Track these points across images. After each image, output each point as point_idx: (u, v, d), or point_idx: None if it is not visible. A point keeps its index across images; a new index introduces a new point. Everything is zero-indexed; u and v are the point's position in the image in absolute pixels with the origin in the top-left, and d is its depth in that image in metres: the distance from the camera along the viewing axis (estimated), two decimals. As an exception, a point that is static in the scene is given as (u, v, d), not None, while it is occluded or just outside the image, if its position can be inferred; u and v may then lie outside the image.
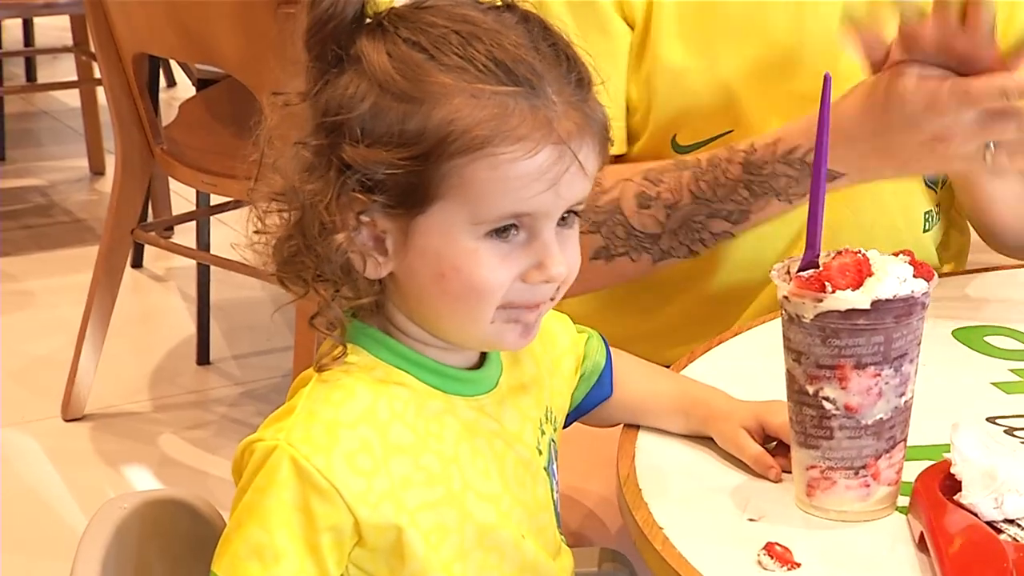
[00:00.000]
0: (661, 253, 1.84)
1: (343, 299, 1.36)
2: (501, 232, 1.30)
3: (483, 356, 1.41)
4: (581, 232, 1.65)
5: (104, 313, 3.50)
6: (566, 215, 1.33)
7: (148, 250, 4.06)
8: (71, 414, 3.53)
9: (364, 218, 1.31)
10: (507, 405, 1.42)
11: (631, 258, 1.82)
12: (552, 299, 1.37)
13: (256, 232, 1.36)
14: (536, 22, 1.35)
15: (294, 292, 1.37)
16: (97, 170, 4.79)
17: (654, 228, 1.81)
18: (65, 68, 5.08)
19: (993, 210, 2.02)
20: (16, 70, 5.36)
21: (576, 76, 1.33)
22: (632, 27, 1.90)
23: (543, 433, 1.45)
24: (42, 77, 5.31)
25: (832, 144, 1.48)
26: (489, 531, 1.37)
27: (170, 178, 3.75)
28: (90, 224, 4.17)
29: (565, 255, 1.33)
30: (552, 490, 1.46)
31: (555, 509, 1.46)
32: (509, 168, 1.27)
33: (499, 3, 1.36)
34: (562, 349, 1.53)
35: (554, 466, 1.47)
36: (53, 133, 5.09)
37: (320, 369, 1.35)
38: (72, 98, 4.98)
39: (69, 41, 4.81)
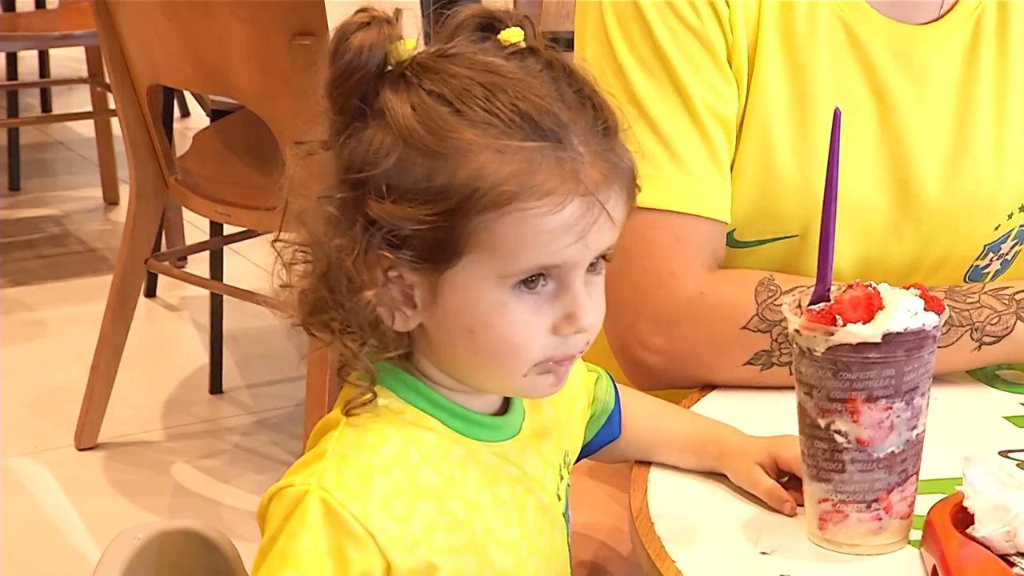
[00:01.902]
0: None
1: (371, 349, 1.34)
2: (529, 283, 1.28)
3: (507, 401, 1.40)
4: (744, 329, 1.65)
5: (118, 342, 3.49)
6: (595, 261, 1.32)
7: (161, 279, 4.08)
8: (84, 443, 3.52)
9: (392, 273, 1.30)
10: (529, 451, 1.42)
11: (789, 371, 1.69)
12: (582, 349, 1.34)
13: (282, 286, 1.36)
14: (560, 67, 1.34)
15: (321, 340, 1.37)
16: (111, 200, 4.80)
17: None
18: (80, 99, 5.08)
19: None
20: (32, 101, 5.37)
21: (603, 124, 1.31)
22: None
23: (562, 478, 1.45)
24: (57, 108, 5.32)
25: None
26: (508, 572, 1.36)
27: (184, 208, 3.73)
28: (104, 254, 4.17)
29: (593, 303, 1.32)
30: (568, 535, 1.45)
31: (568, 552, 1.45)
32: (538, 223, 1.25)
33: (523, 47, 1.35)
34: (576, 391, 1.51)
35: (569, 511, 1.46)
36: (68, 163, 5.10)
37: (348, 414, 1.33)
38: (87, 129, 4.99)
39: (84, 72, 4.83)
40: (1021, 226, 1.93)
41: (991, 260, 1.93)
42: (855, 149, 1.81)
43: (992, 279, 1.94)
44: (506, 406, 1.40)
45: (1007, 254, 1.95)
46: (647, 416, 1.57)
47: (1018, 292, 1.72)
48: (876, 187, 1.82)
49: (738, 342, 1.73)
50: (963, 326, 1.66)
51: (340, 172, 1.30)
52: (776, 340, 1.70)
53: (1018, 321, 1.69)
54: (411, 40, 1.32)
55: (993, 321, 1.68)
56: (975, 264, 1.93)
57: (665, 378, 1.77)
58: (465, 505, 1.33)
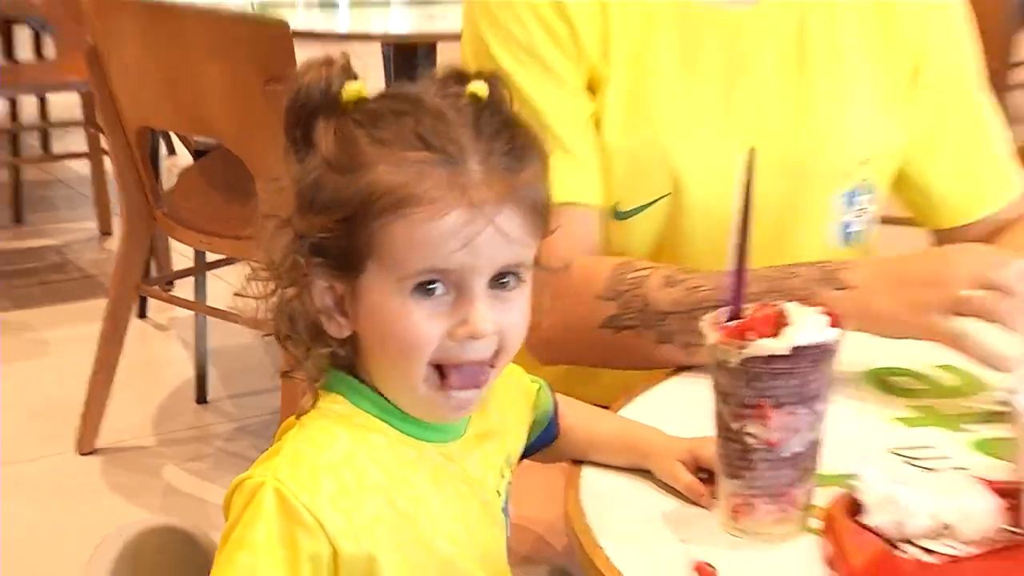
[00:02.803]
0: (664, 335, 1.76)
1: (317, 356, 1.37)
2: (426, 289, 1.30)
3: None
4: (597, 297, 1.66)
5: (112, 359, 3.56)
6: (503, 279, 1.33)
7: (151, 302, 4.13)
8: (84, 448, 3.60)
9: (323, 283, 1.34)
10: (473, 451, 1.43)
11: (637, 333, 1.76)
12: (493, 366, 1.35)
13: (236, 295, 1.39)
14: (489, 102, 1.36)
15: (290, 353, 1.39)
16: (105, 231, 4.86)
17: (669, 307, 1.75)
18: (76, 140, 5.13)
19: None
20: (33, 142, 5.47)
21: (510, 149, 1.32)
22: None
23: (503, 477, 1.47)
24: (56, 149, 5.38)
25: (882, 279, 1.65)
26: (450, 567, 1.38)
27: (170, 238, 3.77)
28: (100, 280, 4.22)
29: (503, 316, 1.33)
30: (506, 529, 1.47)
31: (506, 545, 1.47)
32: (423, 228, 1.27)
33: (478, 94, 1.37)
34: (519, 398, 1.54)
35: (508, 506, 1.48)
36: (66, 198, 5.17)
37: (300, 416, 1.37)
38: (83, 167, 5.06)
39: (80, 116, 4.86)
40: (864, 179, 1.97)
41: (852, 217, 1.98)
42: (708, 115, 1.92)
43: (860, 241, 2.02)
44: None
45: (866, 209, 2.00)
46: (581, 421, 1.59)
47: (837, 267, 1.74)
48: (736, 146, 1.78)
49: (592, 308, 1.77)
50: (777, 292, 1.66)
51: (295, 199, 1.34)
52: (620, 306, 1.74)
53: (832, 290, 1.71)
54: (359, 82, 1.35)
55: (803, 290, 1.69)
56: (842, 221, 1.97)
57: (550, 350, 1.81)
58: (412, 501, 1.35)
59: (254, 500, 1.28)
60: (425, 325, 1.30)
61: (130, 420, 3.72)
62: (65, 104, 5.14)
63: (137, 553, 1.50)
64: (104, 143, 4.26)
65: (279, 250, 1.33)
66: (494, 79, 1.39)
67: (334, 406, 1.37)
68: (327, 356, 1.37)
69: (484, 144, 1.31)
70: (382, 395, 1.37)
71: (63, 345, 3.99)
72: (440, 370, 1.33)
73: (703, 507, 1.44)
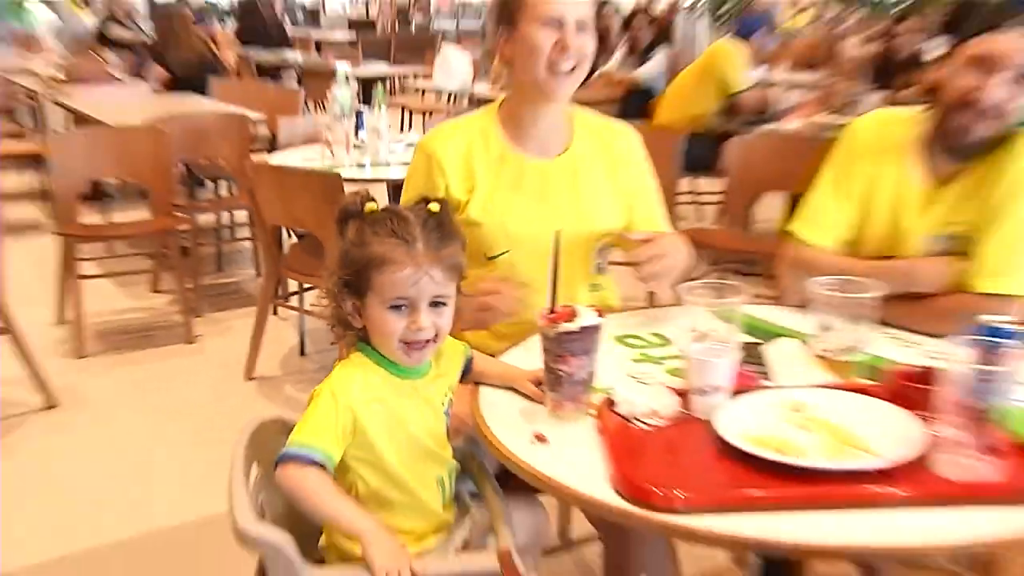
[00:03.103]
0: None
1: (350, 335, 1.44)
2: (395, 307, 1.38)
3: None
4: None
5: (260, 333, 3.49)
6: (436, 303, 1.39)
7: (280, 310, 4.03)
8: (248, 376, 3.51)
9: (348, 301, 1.41)
10: (432, 384, 1.48)
11: None
12: (434, 341, 1.41)
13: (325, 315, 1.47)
14: (435, 216, 1.41)
15: (334, 334, 1.47)
16: (259, 275, 4.74)
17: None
18: (244, 232, 5.06)
19: None
20: (227, 235, 5.29)
21: (440, 237, 1.39)
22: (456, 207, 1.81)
23: (447, 395, 1.50)
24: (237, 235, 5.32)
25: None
26: (414, 438, 1.43)
27: (287, 277, 3.75)
28: (254, 296, 4.12)
29: (437, 319, 1.39)
30: (446, 421, 1.49)
31: (446, 429, 1.49)
32: (392, 276, 1.36)
33: (433, 210, 1.42)
34: (456, 355, 1.53)
35: (448, 409, 1.49)
36: (241, 260, 5.02)
37: (341, 360, 1.46)
38: (248, 245, 4.96)
39: (246, 221, 4.88)
40: (605, 242, 1.90)
41: (600, 260, 1.92)
42: (529, 210, 1.84)
43: (603, 270, 1.96)
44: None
45: (606, 256, 1.94)
46: (482, 364, 1.55)
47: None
48: (545, 229, 1.63)
49: None
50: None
51: (338, 260, 1.42)
52: None
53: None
54: (374, 203, 1.41)
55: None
56: (597, 262, 1.91)
57: None
58: (395, 403, 1.42)
59: (321, 395, 1.38)
60: (395, 324, 1.39)
61: (269, 363, 3.61)
62: (237, 216, 5.10)
63: (260, 433, 1.54)
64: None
65: (331, 285, 1.43)
66: (443, 202, 1.45)
67: (358, 357, 1.44)
68: (355, 335, 1.44)
69: (426, 235, 1.38)
70: (382, 355, 1.43)
71: (240, 326, 3.84)
72: (405, 344, 1.40)
73: (540, 404, 1.44)
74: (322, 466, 1.34)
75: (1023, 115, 1.71)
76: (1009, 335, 1.33)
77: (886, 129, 1.88)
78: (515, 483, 1.35)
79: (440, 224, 1.41)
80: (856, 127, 1.92)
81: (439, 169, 1.84)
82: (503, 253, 1.85)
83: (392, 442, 1.41)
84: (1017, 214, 1.71)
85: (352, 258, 1.39)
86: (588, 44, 1.78)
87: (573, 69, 1.78)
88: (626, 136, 1.97)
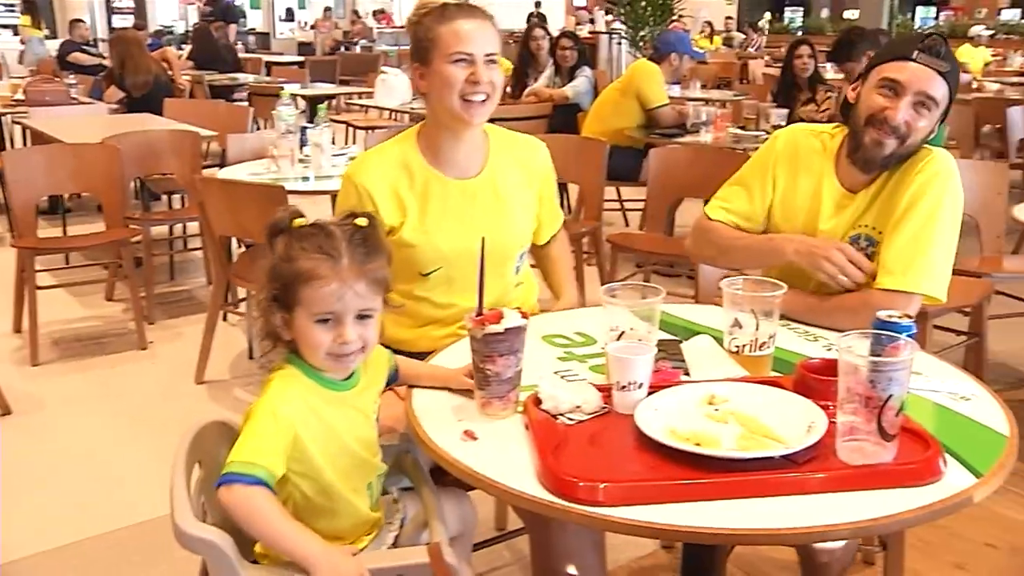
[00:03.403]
0: None
1: (280, 347, 1.39)
2: (323, 320, 1.33)
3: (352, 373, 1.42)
4: None
5: (210, 337, 3.38)
6: (362, 316, 1.34)
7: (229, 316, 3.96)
8: (198, 380, 3.40)
9: (278, 314, 1.35)
10: (362, 393, 1.42)
11: None
12: (361, 352, 1.36)
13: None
14: (361, 231, 1.37)
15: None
16: (210, 282, 4.64)
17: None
18: (196, 242, 4.94)
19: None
20: (180, 245, 5.18)
21: (364, 252, 1.34)
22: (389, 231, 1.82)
23: (375, 403, 1.46)
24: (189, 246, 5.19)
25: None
26: (346, 446, 1.39)
27: (236, 286, 3.67)
28: (205, 303, 4.02)
29: (363, 331, 1.34)
30: (375, 428, 1.46)
31: (376, 434, 1.46)
32: (318, 291, 1.31)
33: (360, 224, 1.38)
34: (383, 364, 1.49)
35: (378, 416, 1.47)
36: (193, 269, 4.93)
37: (272, 372, 1.39)
38: (200, 255, 4.86)
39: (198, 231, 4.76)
40: (523, 247, 1.96)
41: (519, 263, 1.95)
42: (456, 227, 1.85)
43: (521, 273, 1.99)
44: (351, 375, 1.41)
45: (523, 259, 1.98)
46: (414, 369, 1.53)
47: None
48: (471, 241, 1.67)
49: None
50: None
51: (267, 274, 1.36)
52: None
53: None
54: (303, 219, 1.36)
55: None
56: (516, 265, 1.94)
57: None
58: (328, 415, 1.37)
59: (260, 411, 1.31)
60: (322, 337, 1.33)
61: (219, 366, 3.51)
62: (190, 227, 4.99)
63: (203, 436, 1.48)
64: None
65: (260, 299, 1.37)
66: (371, 216, 1.41)
67: (290, 371, 1.38)
68: (286, 345, 1.38)
69: (351, 250, 1.33)
70: (312, 368, 1.38)
71: (192, 332, 3.74)
72: (333, 356, 1.34)
73: (472, 399, 1.40)
74: (266, 484, 1.27)
75: (923, 137, 1.78)
76: (905, 328, 1.35)
77: (805, 141, 1.94)
78: (448, 479, 1.33)
79: (365, 239, 1.36)
80: (779, 137, 1.98)
81: (368, 199, 1.83)
82: (436, 270, 1.87)
83: (327, 454, 1.36)
84: (917, 219, 1.74)
85: (280, 273, 1.34)
86: (497, 75, 1.81)
87: (485, 99, 1.80)
88: (536, 149, 2.02)
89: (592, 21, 16.52)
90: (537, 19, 16.94)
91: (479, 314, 1.38)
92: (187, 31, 16.26)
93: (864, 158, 1.80)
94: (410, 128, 1.94)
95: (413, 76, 1.87)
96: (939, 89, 1.74)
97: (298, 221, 1.36)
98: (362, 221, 1.38)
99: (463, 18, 1.78)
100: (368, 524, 1.46)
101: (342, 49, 14.42)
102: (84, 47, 9.58)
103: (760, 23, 20.34)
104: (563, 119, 5.65)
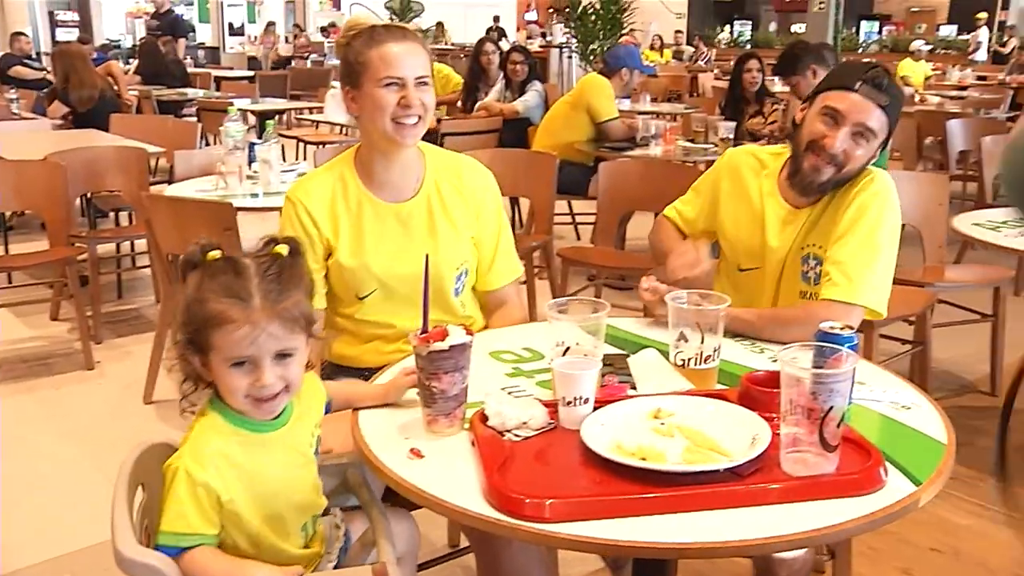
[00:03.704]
0: None
1: (201, 389, 1.34)
2: (237, 364, 1.27)
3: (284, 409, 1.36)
4: None
5: (159, 355, 3.34)
6: (283, 356, 1.28)
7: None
8: (147, 399, 3.35)
9: (194, 357, 1.30)
10: (294, 429, 1.36)
11: None
12: (285, 393, 1.30)
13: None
14: (279, 263, 1.30)
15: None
16: (159, 301, 4.54)
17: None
18: (145, 259, 4.85)
19: None
20: (128, 263, 5.10)
21: (278, 290, 1.27)
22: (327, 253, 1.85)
23: (312, 435, 1.40)
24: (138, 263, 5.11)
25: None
26: (276, 494, 1.33)
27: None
28: (154, 320, 3.95)
29: (285, 372, 1.29)
30: (314, 462, 1.40)
31: (315, 468, 1.40)
32: (230, 335, 1.25)
33: (279, 252, 1.32)
34: (318, 398, 1.43)
35: (319, 448, 1.42)
36: (143, 287, 4.83)
37: (197, 415, 1.33)
38: (148, 272, 4.77)
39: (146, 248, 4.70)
40: (461, 267, 1.90)
41: (458, 284, 1.90)
42: (391, 250, 1.85)
43: (462, 293, 1.93)
44: (280, 413, 1.35)
45: (464, 280, 1.92)
46: (351, 393, 1.48)
47: None
48: (409, 263, 1.81)
49: None
50: None
51: (181, 315, 1.30)
52: None
53: None
54: (217, 252, 1.30)
55: None
56: (455, 286, 1.90)
57: None
58: (252, 463, 1.31)
59: (177, 476, 1.26)
60: (239, 381, 1.28)
61: (168, 386, 3.33)
62: (138, 245, 4.89)
63: (146, 457, 1.38)
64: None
65: (176, 341, 1.32)
66: (292, 242, 1.36)
67: (211, 419, 1.32)
68: (209, 387, 1.33)
69: (264, 289, 1.27)
70: (233, 413, 1.32)
71: (140, 351, 3.65)
72: (253, 399, 1.29)
73: (418, 416, 1.38)
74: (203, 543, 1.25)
75: (862, 164, 1.84)
76: (847, 340, 1.37)
77: (748, 160, 2.01)
78: (397, 498, 1.32)
79: (280, 273, 1.30)
80: (728, 155, 2.06)
81: (309, 218, 1.84)
82: (372, 292, 1.87)
83: (253, 505, 1.31)
84: (859, 235, 1.79)
85: (192, 315, 1.28)
86: (428, 97, 1.80)
87: (417, 121, 1.79)
88: (474, 169, 1.97)
89: (544, 35, 16.65)
90: (496, 33, 17.12)
91: (424, 331, 1.37)
92: (134, 45, 16.05)
93: (802, 182, 1.86)
94: (349, 149, 1.92)
95: (345, 99, 1.84)
96: (877, 121, 1.81)
97: (211, 255, 1.30)
98: (282, 249, 1.33)
99: (392, 41, 1.77)
100: (302, 562, 1.40)
101: (292, 63, 14.33)
102: (26, 61, 9.40)
103: (721, 36, 20.72)
104: (514, 133, 5.66)
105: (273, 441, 1.34)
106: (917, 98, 8.80)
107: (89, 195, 4.63)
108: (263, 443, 1.33)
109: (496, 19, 18.89)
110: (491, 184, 1.98)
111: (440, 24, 18.00)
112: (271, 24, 17.28)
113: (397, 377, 1.47)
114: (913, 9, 22.60)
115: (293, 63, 14.48)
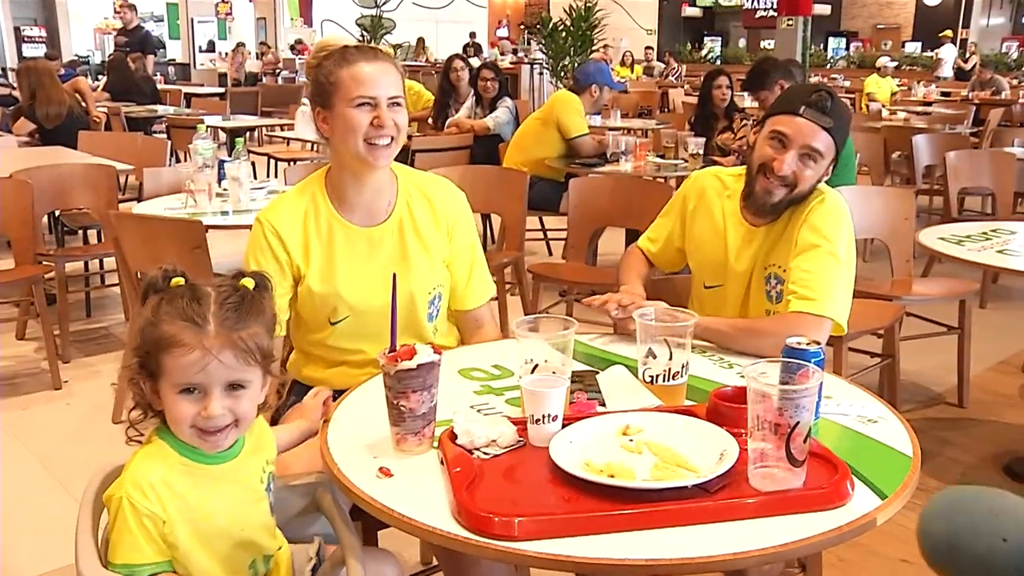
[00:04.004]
0: None
1: (150, 417, 1.29)
2: (186, 392, 1.23)
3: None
4: None
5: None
6: (235, 388, 1.25)
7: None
8: (116, 419, 3.22)
9: (145, 382, 1.26)
10: (245, 463, 1.32)
11: None
12: (234, 427, 1.26)
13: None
14: (240, 294, 1.27)
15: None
16: (127, 320, 4.50)
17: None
18: (114, 277, 4.80)
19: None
20: (97, 281, 5.02)
21: (236, 318, 1.24)
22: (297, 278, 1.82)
23: (264, 471, 1.36)
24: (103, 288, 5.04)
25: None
26: (220, 528, 1.28)
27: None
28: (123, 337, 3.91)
29: (235, 405, 1.25)
30: (267, 498, 1.36)
31: (269, 504, 1.36)
32: (180, 359, 1.21)
33: (245, 285, 1.29)
34: (268, 438, 1.39)
35: (271, 484, 1.37)
36: (112, 305, 4.79)
37: (144, 443, 1.30)
38: (116, 290, 4.73)
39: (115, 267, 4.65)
40: (435, 289, 1.87)
41: (433, 309, 1.88)
42: (362, 274, 1.82)
43: (437, 317, 1.91)
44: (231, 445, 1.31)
45: (439, 302, 1.89)
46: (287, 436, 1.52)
47: None
48: (378, 286, 1.78)
49: None
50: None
51: (136, 337, 1.27)
52: None
53: None
54: (179, 277, 1.28)
55: None
56: (429, 311, 1.86)
57: None
58: (197, 497, 1.26)
59: (121, 507, 1.21)
60: (186, 411, 1.24)
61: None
62: (108, 263, 4.84)
63: (111, 480, 1.33)
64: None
65: (127, 365, 1.30)
66: (261, 277, 1.34)
67: (157, 447, 1.28)
68: (158, 416, 1.29)
69: (221, 316, 1.24)
70: (182, 442, 1.28)
71: (109, 370, 3.66)
72: (200, 430, 1.25)
73: (387, 435, 1.36)
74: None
75: (813, 184, 1.90)
76: (813, 355, 1.38)
77: (712, 182, 2.07)
78: (366, 518, 1.31)
79: (240, 303, 1.26)
80: (697, 179, 2.11)
81: (279, 241, 1.80)
82: (344, 318, 1.84)
83: (197, 540, 1.26)
84: (819, 253, 1.84)
85: (145, 337, 1.24)
86: (401, 117, 1.77)
87: (390, 142, 1.76)
88: (448, 190, 1.93)
89: (515, 51, 16.71)
90: (473, 48, 17.19)
91: (392, 350, 1.37)
92: (103, 61, 15.96)
93: (756, 204, 1.94)
94: (319, 170, 1.89)
95: (316, 119, 1.81)
96: (823, 142, 1.87)
97: (175, 280, 1.28)
98: (248, 283, 1.31)
99: (364, 61, 1.74)
100: None
101: (263, 80, 14.29)
102: (-11, 77, 9.33)
103: (704, 53, 20.96)
104: (485, 150, 5.67)
105: (221, 474, 1.30)
106: (885, 112, 8.94)
107: (58, 213, 4.59)
108: (211, 475, 1.29)
109: (472, 35, 18.96)
110: (463, 204, 1.95)
111: (421, 40, 18.05)
112: (241, 45, 17.24)
113: (307, 401, 1.48)
114: (879, 26, 22.95)
115: (264, 79, 14.46)
